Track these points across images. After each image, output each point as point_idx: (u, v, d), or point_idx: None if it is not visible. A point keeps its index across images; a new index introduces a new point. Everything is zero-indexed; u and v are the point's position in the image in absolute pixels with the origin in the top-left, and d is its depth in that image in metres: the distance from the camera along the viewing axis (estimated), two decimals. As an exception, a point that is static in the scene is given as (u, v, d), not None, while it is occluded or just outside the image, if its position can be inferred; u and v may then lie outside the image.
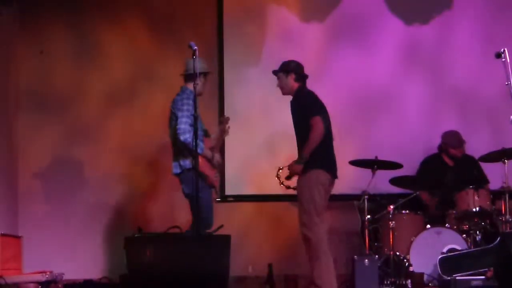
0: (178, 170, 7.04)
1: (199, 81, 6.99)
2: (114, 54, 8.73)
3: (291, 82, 7.11)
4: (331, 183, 7.03)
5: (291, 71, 7.11)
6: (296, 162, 6.88)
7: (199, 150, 6.75)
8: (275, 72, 7.20)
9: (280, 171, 7.11)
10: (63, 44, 8.69)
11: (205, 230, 6.66)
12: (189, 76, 6.88)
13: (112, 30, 8.75)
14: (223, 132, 7.41)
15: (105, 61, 8.72)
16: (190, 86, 6.91)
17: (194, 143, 6.34)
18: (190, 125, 6.76)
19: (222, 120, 7.44)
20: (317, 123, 6.83)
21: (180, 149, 6.97)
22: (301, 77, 7.14)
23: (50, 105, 8.64)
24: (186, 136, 6.87)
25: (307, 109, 6.95)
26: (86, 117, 8.68)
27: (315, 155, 6.87)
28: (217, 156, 7.16)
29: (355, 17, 8.89)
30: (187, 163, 6.95)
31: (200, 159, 6.75)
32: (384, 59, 8.82)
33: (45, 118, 8.63)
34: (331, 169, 7.02)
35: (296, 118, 7.09)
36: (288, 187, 7.12)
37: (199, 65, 6.83)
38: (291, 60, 7.21)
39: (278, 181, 7.14)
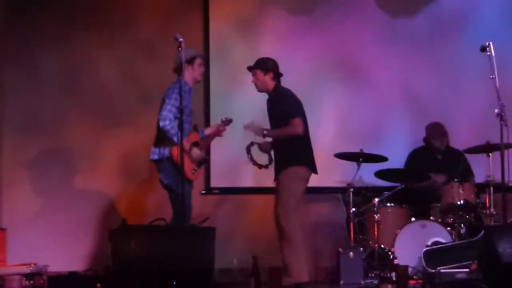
0: (155, 157, 7.05)
1: (187, 70, 7.08)
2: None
3: (268, 80, 7.27)
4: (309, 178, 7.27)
5: (269, 70, 7.24)
6: (266, 142, 7.29)
7: (175, 139, 6.81)
8: (250, 68, 7.32)
9: (252, 147, 7.29)
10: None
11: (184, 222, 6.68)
12: (181, 68, 6.87)
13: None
14: (218, 132, 7.41)
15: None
16: (185, 77, 7.04)
17: (179, 135, 6.38)
18: (175, 116, 6.79)
19: (225, 120, 7.43)
20: (297, 126, 7.09)
21: (162, 137, 6.98)
22: (278, 75, 7.31)
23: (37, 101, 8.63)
24: (165, 122, 6.90)
25: (287, 110, 7.15)
26: (74, 111, 8.66)
27: (296, 152, 7.16)
28: (195, 151, 7.12)
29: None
30: (166, 151, 6.97)
31: (178, 150, 6.75)
32: (369, 51, 8.82)
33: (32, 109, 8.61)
34: (312, 165, 7.26)
35: (273, 116, 7.29)
36: (259, 166, 7.36)
37: (188, 53, 6.98)
38: (268, 58, 7.37)
39: (248, 156, 7.35)
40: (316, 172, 7.29)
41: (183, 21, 8.62)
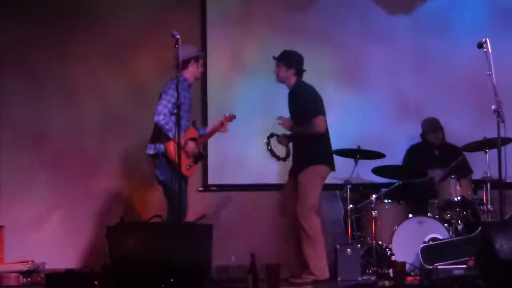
0: (151, 152, 7.07)
1: (192, 67, 7.12)
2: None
3: (290, 75, 7.35)
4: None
5: (292, 67, 7.32)
6: (285, 135, 7.33)
7: (170, 134, 6.83)
8: (275, 59, 7.34)
9: (272, 138, 7.32)
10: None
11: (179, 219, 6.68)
12: (181, 64, 6.85)
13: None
14: (220, 127, 7.40)
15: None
16: (185, 73, 7.11)
17: (176, 130, 6.40)
18: (170, 111, 6.82)
19: (228, 116, 7.44)
20: (321, 124, 7.18)
21: (158, 132, 7.00)
22: (301, 71, 7.36)
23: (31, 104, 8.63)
24: (159, 117, 6.92)
25: (309, 107, 7.22)
26: (67, 105, 8.65)
27: (318, 150, 7.26)
28: (190, 145, 7.11)
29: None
30: (161, 147, 6.99)
31: (174, 146, 6.75)
32: (366, 48, 8.82)
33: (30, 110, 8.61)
34: (332, 163, 7.39)
35: (294, 111, 7.34)
36: (278, 158, 7.42)
37: (189, 50, 7.08)
38: (294, 53, 7.42)
39: (268, 147, 7.39)
40: (334, 169, 7.41)
41: (180, 19, 8.59)
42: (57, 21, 8.59)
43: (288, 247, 7.85)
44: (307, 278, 7.16)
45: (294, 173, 7.37)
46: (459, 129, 8.57)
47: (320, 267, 7.19)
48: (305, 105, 7.24)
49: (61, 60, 8.59)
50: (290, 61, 7.33)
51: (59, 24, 8.59)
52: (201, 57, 7.34)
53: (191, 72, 7.21)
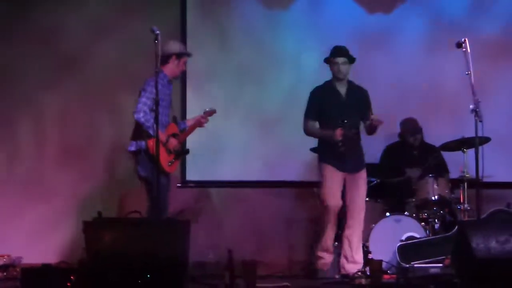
0: (132, 148, 7.04)
1: (172, 63, 7.09)
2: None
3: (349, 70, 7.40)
4: None
5: (352, 62, 7.38)
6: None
7: (151, 131, 6.81)
8: (352, 58, 7.35)
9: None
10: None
11: (161, 215, 6.67)
12: (160, 60, 6.81)
13: None
14: (200, 124, 7.39)
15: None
16: (165, 69, 7.09)
17: (155, 127, 6.37)
18: (150, 108, 6.76)
19: (208, 111, 7.40)
20: None
21: (139, 129, 6.97)
22: None
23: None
24: (140, 115, 6.89)
25: (370, 106, 7.36)
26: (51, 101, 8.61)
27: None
28: (172, 141, 7.10)
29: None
30: (143, 144, 6.96)
31: (154, 142, 6.76)
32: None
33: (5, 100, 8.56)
34: None
35: (361, 108, 7.33)
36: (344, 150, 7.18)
37: (171, 46, 7.07)
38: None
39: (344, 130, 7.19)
40: None
41: (160, 13, 8.58)
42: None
43: (265, 243, 7.86)
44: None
45: (353, 169, 7.32)
46: (437, 129, 8.60)
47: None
48: (369, 104, 7.40)
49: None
50: (352, 57, 7.38)
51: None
52: (185, 56, 7.24)
53: (170, 68, 7.15)
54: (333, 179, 7.27)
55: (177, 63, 7.20)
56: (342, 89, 7.38)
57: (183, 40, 8.50)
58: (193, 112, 7.91)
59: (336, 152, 7.16)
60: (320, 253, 7.37)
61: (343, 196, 7.33)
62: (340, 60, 7.29)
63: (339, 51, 7.33)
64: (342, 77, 7.33)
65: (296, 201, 8.63)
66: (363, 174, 7.40)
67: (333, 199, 7.23)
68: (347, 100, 7.35)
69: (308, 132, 7.42)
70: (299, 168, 8.52)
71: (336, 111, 7.25)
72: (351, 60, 7.35)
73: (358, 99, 7.39)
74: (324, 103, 7.36)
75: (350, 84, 7.43)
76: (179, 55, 7.19)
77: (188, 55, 7.31)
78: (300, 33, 8.81)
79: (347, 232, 7.32)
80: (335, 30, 8.75)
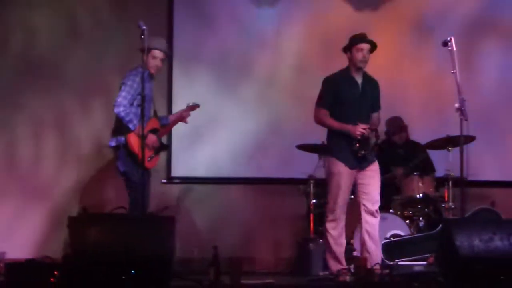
0: (113, 143, 7.04)
1: (145, 57, 6.90)
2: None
3: None
4: None
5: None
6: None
7: (131, 127, 6.82)
8: (374, 45, 7.02)
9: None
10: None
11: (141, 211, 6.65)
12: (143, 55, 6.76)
13: None
14: (182, 118, 7.37)
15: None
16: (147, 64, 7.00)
17: (137, 122, 6.36)
18: (130, 102, 6.80)
19: (191, 105, 7.37)
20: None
21: (119, 124, 6.97)
22: None
23: None
24: (119, 109, 6.90)
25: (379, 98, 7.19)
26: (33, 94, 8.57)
27: None
28: (150, 137, 7.06)
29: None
30: (122, 139, 6.95)
31: (135, 138, 6.76)
32: (333, 44, 8.83)
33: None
34: None
35: (375, 101, 7.16)
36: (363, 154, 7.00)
37: (155, 42, 6.99)
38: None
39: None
40: None
41: (148, 10, 8.57)
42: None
43: (250, 240, 7.86)
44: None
45: (360, 166, 7.06)
46: (422, 127, 8.63)
47: None
48: (379, 96, 7.22)
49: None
50: (374, 43, 7.01)
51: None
52: (157, 52, 7.08)
53: (150, 63, 7.09)
54: (343, 178, 6.97)
55: (150, 57, 7.05)
56: (359, 79, 7.03)
57: (170, 29, 8.52)
58: (179, 108, 7.88)
59: (350, 149, 6.92)
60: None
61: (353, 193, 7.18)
62: (366, 46, 6.91)
63: (364, 36, 6.94)
64: (364, 66, 6.96)
65: (281, 198, 8.63)
66: (374, 166, 7.10)
67: (342, 198, 7.01)
68: (363, 91, 7.05)
69: (319, 121, 7.07)
70: (284, 166, 8.53)
71: (352, 103, 6.95)
72: (373, 48, 7.02)
73: (372, 91, 7.13)
74: (341, 93, 6.98)
75: (365, 74, 7.07)
76: (150, 50, 6.94)
77: (165, 52, 7.22)
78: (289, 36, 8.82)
79: (365, 226, 7.05)
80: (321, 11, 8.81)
